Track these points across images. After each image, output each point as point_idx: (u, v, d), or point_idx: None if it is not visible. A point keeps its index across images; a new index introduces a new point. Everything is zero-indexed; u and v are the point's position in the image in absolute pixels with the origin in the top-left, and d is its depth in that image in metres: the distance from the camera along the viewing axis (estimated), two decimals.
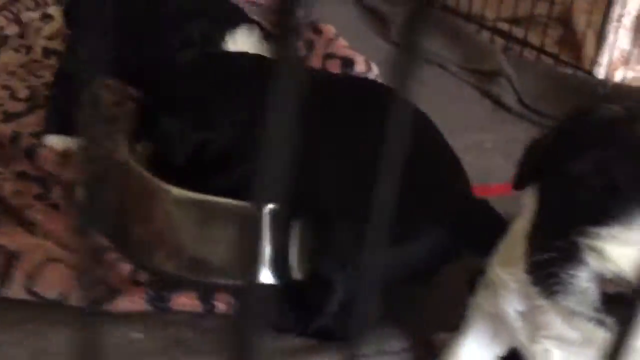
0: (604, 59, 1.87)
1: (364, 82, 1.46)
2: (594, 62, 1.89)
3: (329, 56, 1.76)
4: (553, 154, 0.74)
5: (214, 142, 1.14)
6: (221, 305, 1.05)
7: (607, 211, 0.65)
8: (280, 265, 1.07)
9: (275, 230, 1.06)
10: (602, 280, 0.63)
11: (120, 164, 1.14)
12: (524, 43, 2.03)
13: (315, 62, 1.73)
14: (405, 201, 1.05)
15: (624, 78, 1.84)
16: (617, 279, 0.62)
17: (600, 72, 1.88)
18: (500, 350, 0.90)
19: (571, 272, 0.64)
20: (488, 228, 0.96)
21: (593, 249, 0.64)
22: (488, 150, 1.63)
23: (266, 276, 1.09)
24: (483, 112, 1.82)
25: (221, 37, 1.31)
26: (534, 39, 2.01)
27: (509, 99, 1.85)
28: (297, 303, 1.05)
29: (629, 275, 0.61)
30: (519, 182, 0.79)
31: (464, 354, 0.90)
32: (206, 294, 1.06)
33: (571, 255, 0.64)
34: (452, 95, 1.89)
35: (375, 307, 1.12)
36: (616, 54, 1.86)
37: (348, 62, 1.74)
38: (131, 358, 0.95)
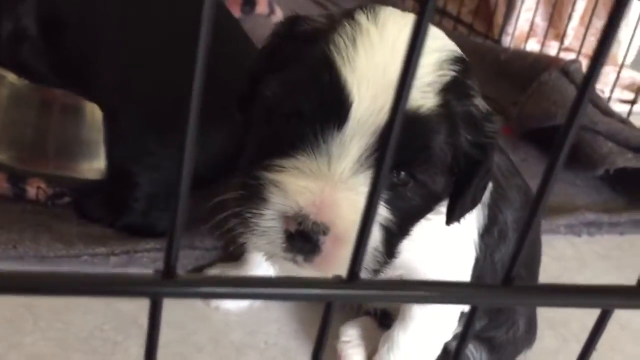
0: (510, 29, 1.87)
1: None
2: (503, 31, 1.88)
3: None
4: (258, 71, 0.64)
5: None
6: (31, 190, 1.00)
7: (291, 140, 0.57)
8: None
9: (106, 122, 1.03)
10: (286, 218, 0.56)
11: None
12: (442, 12, 2.03)
13: None
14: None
15: (531, 50, 1.84)
16: (297, 216, 0.55)
17: (507, 42, 1.88)
18: None
19: (254, 211, 0.57)
20: None
21: (275, 184, 0.57)
22: None
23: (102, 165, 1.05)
24: None
25: None
26: (452, 8, 2.01)
27: None
28: (107, 196, 1.01)
29: (308, 212, 0.55)
30: (240, 105, 0.69)
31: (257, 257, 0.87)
32: (17, 177, 1.01)
33: (254, 192, 0.57)
34: None
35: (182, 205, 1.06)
36: (524, 26, 1.86)
37: (248, 1, 1.70)
38: None
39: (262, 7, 1.73)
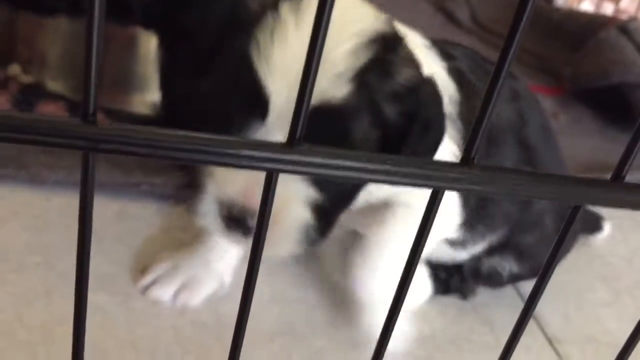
0: None
1: None
2: None
3: None
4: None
5: None
6: None
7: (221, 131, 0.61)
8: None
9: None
10: (222, 203, 0.62)
11: None
12: None
13: None
14: None
15: (585, 11, 1.79)
16: (231, 203, 0.61)
17: (559, 3, 1.83)
18: None
19: (199, 194, 0.63)
20: None
21: (208, 174, 0.62)
22: None
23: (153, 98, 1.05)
24: (434, 25, 1.78)
25: None
26: None
27: (462, 16, 1.80)
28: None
29: (236, 199, 0.61)
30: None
31: None
32: (76, 108, 1.01)
33: (194, 179, 0.63)
34: (406, 6, 1.85)
35: None
36: None
37: None
38: None
39: None
